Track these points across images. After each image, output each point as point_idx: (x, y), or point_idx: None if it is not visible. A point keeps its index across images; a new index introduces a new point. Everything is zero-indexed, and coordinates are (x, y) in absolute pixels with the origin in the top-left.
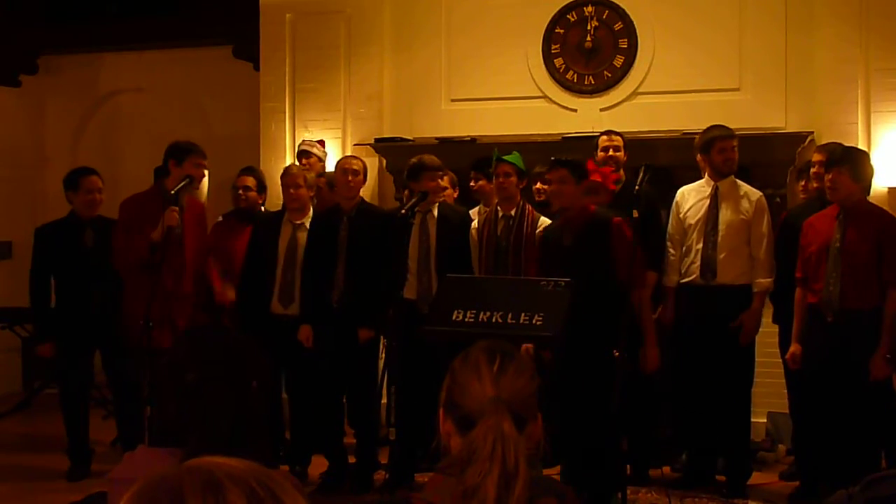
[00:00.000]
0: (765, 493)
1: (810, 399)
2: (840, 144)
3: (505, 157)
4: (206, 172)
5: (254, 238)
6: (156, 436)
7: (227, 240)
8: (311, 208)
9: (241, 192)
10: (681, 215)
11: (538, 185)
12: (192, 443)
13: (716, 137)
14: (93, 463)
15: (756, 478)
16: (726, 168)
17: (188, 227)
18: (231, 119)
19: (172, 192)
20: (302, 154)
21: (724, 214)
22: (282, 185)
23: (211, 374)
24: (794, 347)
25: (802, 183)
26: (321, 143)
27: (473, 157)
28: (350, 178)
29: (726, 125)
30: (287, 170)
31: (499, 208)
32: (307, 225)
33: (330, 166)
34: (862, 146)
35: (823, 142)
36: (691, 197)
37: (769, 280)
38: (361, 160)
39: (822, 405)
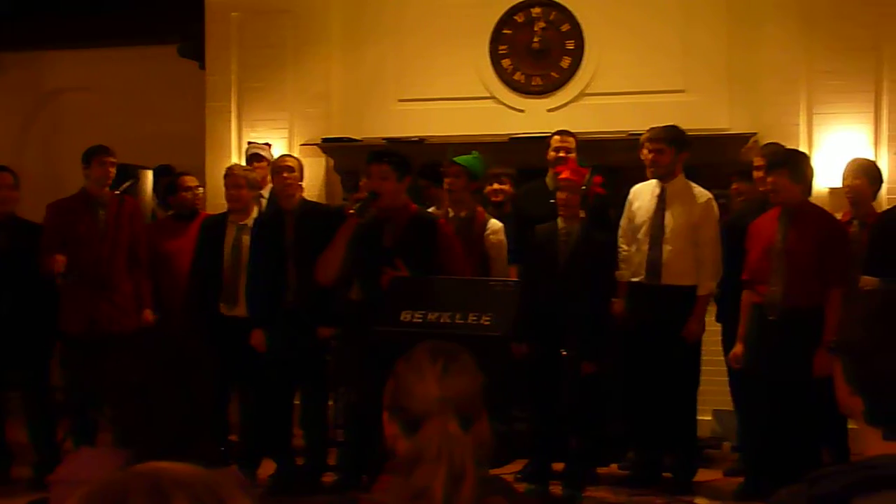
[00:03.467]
0: (710, 489)
1: (753, 396)
2: (780, 146)
3: (463, 157)
4: (112, 169)
5: (200, 241)
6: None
7: (169, 239)
8: (256, 209)
9: (189, 193)
10: (630, 212)
11: (494, 185)
12: (138, 444)
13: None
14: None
15: (702, 475)
16: (650, 170)
17: (118, 225)
18: (176, 118)
19: (117, 192)
20: (253, 157)
21: (670, 216)
22: (224, 186)
23: (156, 375)
24: (737, 348)
25: (735, 187)
26: (268, 146)
27: (421, 158)
28: (285, 174)
29: (677, 126)
30: (229, 170)
31: (450, 210)
32: (250, 226)
33: None
34: (804, 147)
35: (766, 142)
36: (642, 195)
37: (712, 283)
38: (297, 158)
39: (764, 402)
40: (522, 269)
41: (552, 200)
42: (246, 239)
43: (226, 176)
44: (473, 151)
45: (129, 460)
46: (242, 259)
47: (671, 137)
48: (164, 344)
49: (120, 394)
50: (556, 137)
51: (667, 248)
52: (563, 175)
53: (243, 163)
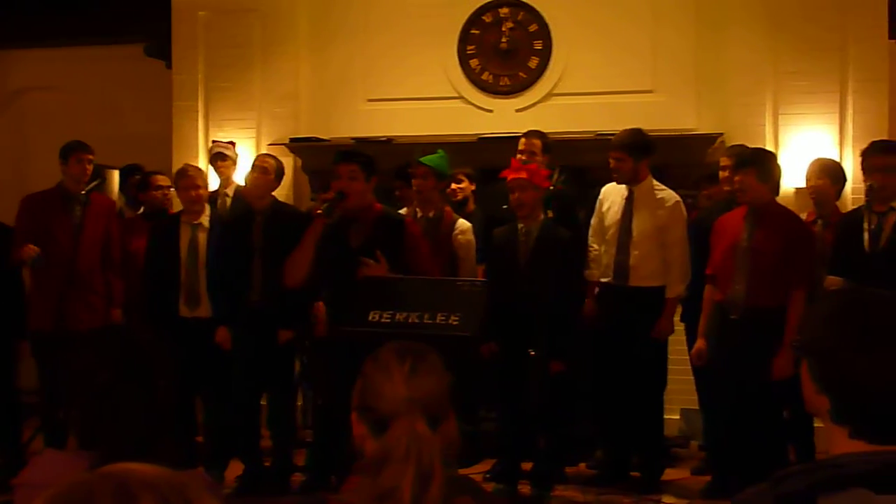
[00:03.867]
0: (678, 488)
1: (718, 396)
2: (746, 147)
3: (428, 157)
4: (90, 167)
5: (152, 242)
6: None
7: (136, 239)
8: (208, 207)
9: (161, 192)
10: (600, 213)
11: (452, 185)
12: (101, 446)
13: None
14: None
15: (669, 474)
16: (614, 176)
17: (92, 223)
18: (143, 118)
19: (83, 192)
20: (217, 157)
21: (638, 219)
22: (178, 187)
23: (120, 374)
24: (699, 343)
25: (706, 192)
26: (232, 144)
27: (390, 158)
28: (258, 174)
29: (640, 127)
30: (183, 172)
31: (418, 210)
32: (205, 224)
33: (242, 167)
34: (770, 148)
35: (733, 143)
36: (612, 197)
37: (682, 287)
38: (276, 159)
39: (729, 402)
40: (485, 271)
41: (504, 206)
42: (202, 237)
43: (180, 177)
44: (438, 150)
45: (94, 462)
46: (200, 258)
47: (629, 145)
48: (127, 343)
49: (82, 393)
50: (522, 140)
51: (634, 252)
52: (511, 177)
53: (206, 162)
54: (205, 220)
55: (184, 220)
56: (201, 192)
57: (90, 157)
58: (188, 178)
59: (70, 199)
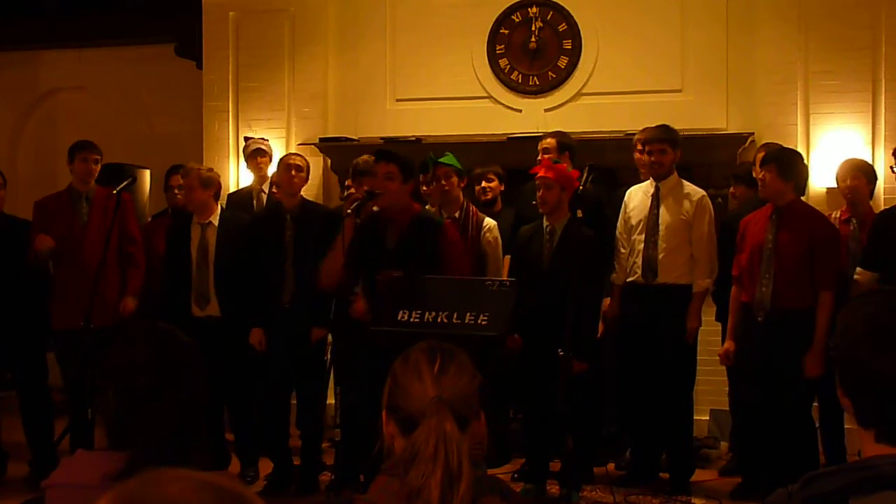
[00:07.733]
0: (707, 489)
1: (747, 397)
2: (778, 145)
3: (441, 159)
4: (96, 166)
5: (167, 242)
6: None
7: (161, 240)
8: (218, 206)
9: (175, 191)
10: (626, 214)
11: (483, 184)
12: (135, 446)
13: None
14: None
15: (699, 474)
16: (652, 170)
17: (97, 219)
18: (173, 118)
19: (115, 191)
20: (257, 152)
21: (665, 214)
22: (185, 187)
23: (162, 378)
24: (727, 344)
25: (732, 190)
26: (264, 140)
27: (418, 158)
28: (294, 173)
29: (669, 125)
30: (185, 170)
31: (442, 211)
32: (215, 223)
33: (274, 165)
34: (801, 148)
35: (764, 143)
36: (636, 196)
37: (708, 281)
38: (304, 157)
39: (758, 403)
40: (510, 268)
41: (533, 202)
42: (211, 236)
43: (182, 175)
44: (446, 153)
45: (128, 462)
46: (210, 258)
47: (672, 138)
48: (169, 345)
49: (122, 394)
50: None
51: (662, 245)
52: (540, 174)
53: (242, 161)
54: (214, 219)
55: (194, 220)
56: (196, 192)
57: (95, 156)
58: (186, 178)
59: (77, 197)
